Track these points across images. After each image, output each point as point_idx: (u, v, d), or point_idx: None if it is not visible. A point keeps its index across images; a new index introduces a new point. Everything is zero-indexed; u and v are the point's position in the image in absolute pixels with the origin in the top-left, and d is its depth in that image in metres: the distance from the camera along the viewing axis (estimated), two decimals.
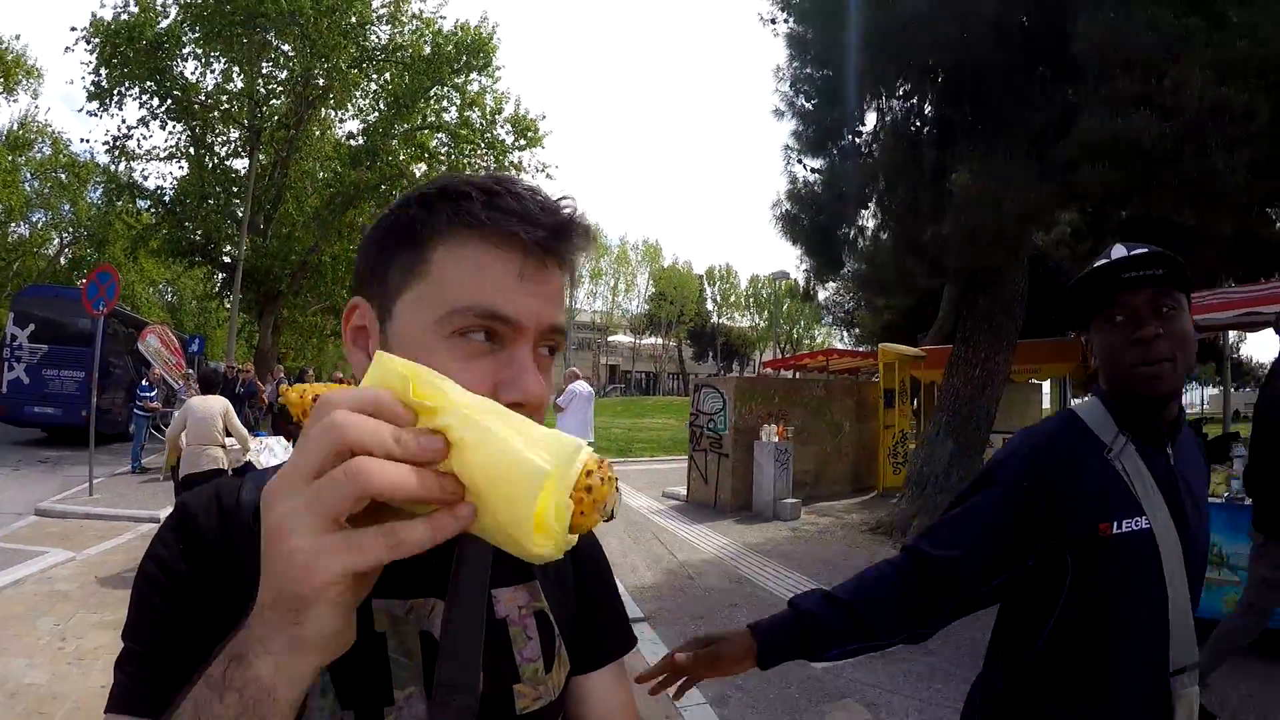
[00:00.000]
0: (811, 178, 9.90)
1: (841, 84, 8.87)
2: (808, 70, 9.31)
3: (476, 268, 0.69)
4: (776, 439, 10.62)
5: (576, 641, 0.90)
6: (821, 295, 16.97)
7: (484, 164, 21.96)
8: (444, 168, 21.63)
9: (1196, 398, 57.03)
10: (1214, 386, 47.27)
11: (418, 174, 21.60)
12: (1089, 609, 1.38)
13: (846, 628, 1.43)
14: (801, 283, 13.83)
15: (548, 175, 21.51)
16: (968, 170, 7.68)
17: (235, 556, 0.72)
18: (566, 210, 0.72)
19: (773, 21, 9.69)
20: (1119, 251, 1.41)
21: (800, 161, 9.97)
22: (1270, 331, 4.39)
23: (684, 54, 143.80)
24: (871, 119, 9.72)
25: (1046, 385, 14.96)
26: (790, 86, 9.51)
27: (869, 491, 13.06)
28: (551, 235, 0.70)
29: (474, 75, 21.55)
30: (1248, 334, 14.66)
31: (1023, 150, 7.61)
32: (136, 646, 0.70)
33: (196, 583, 0.71)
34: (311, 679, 0.52)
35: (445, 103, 21.93)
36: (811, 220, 9.70)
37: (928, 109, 9.46)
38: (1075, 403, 1.40)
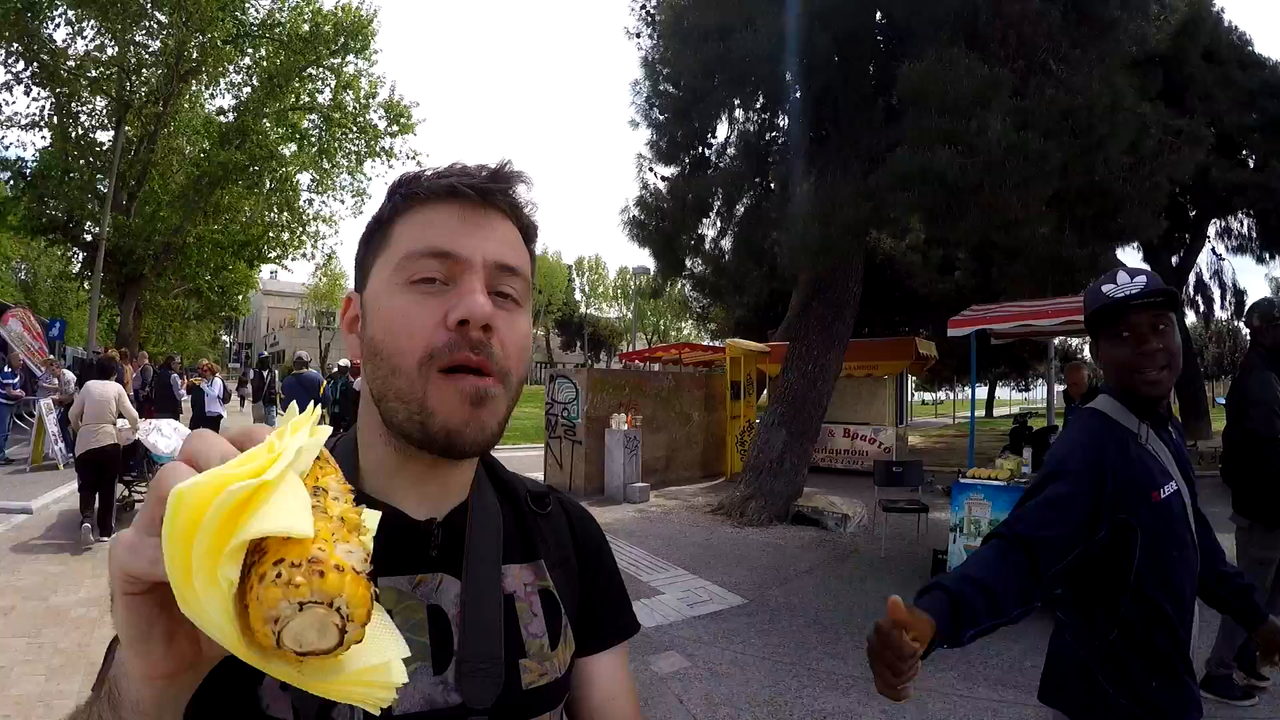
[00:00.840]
0: (661, 185, 10.63)
1: (696, 100, 9.57)
2: (664, 86, 9.98)
3: (423, 222, 0.77)
4: (626, 427, 11.34)
5: (580, 624, 0.94)
6: (680, 290, 17.84)
7: (355, 148, 21.72)
8: (314, 150, 21.31)
9: (1038, 394, 62.17)
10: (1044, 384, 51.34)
11: (287, 154, 21.17)
12: (1155, 557, 1.75)
13: (986, 607, 1.60)
14: (652, 281, 14.61)
15: (418, 163, 21.49)
16: (807, 185, 8.59)
17: None
18: (499, 164, 0.80)
19: (636, 35, 10.41)
20: (1124, 279, 1.80)
21: (652, 169, 10.70)
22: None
23: (556, 49, 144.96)
24: (723, 132, 10.55)
25: (887, 380, 16.25)
26: (646, 100, 10.19)
27: (718, 477, 13.98)
28: (487, 180, 0.78)
29: (351, 58, 21.30)
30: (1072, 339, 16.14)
31: (855, 172, 8.58)
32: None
33: None
34: (146, 686, 0.53)
35: (320, 84, 21.57)
36: (657, 225, 10.42)
37: (780, 121, 10.34)
38: (1094, 404, 1.76)
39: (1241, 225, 21.39)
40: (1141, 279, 1.78)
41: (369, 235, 0.82)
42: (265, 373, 14.15)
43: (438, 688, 0.75)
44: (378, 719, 0.68)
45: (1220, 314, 25.87)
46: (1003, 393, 56.61)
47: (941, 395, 55.66)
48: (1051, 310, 7.18)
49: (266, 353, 52.45)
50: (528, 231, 0.83)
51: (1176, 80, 15.04)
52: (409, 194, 0.78)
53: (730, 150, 10.35)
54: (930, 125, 7.70)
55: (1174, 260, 21.22)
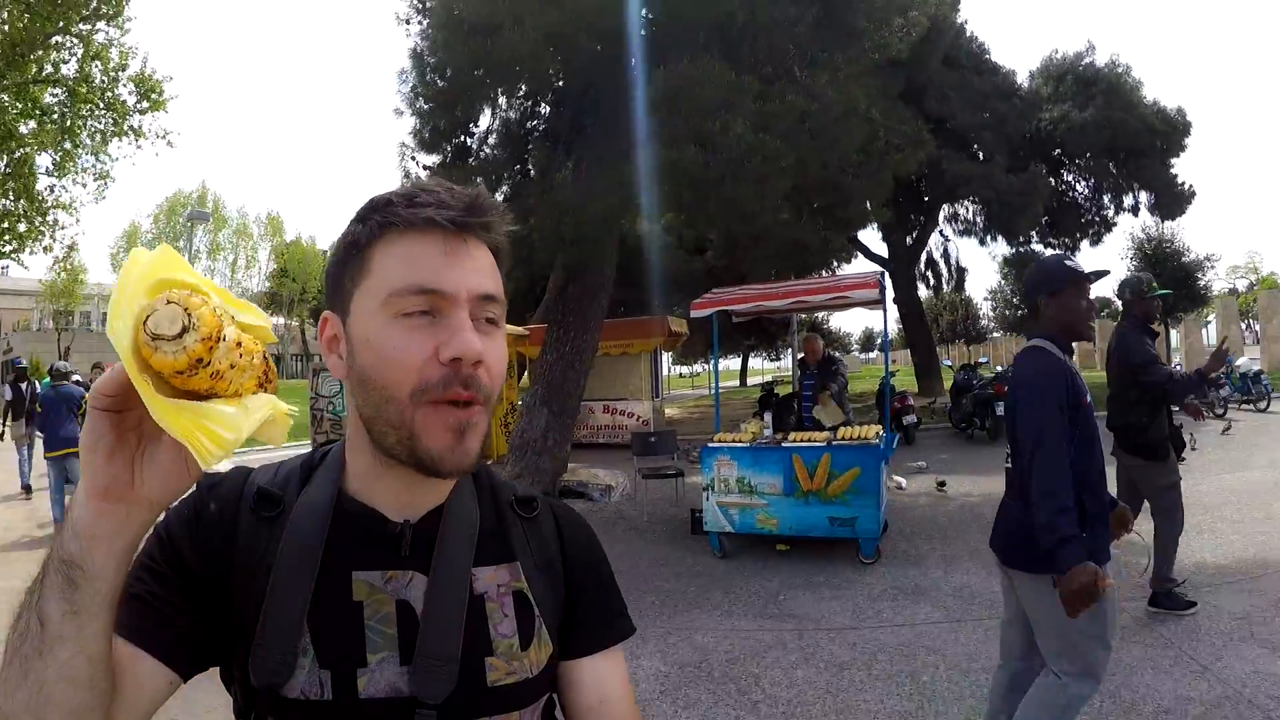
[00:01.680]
0: (423, 174, 10.70)
1: (462, 90, 9.69)
2: (431, 76, 9.99)
3: (406, 255, 0.80)
4: None
5: (565, 627, 0.97)
6: None
7: (100, 126, 19.26)
8: (56, 129, 18.68)
9: (786, 362, 67.79)
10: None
11: (25, 132, 18.40)
12: (1086, 445, 2.66)
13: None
14: None
15: (168, 143, 19.48)
16: (566, 176, 9.00)
17: (233, 536, 0.87)
18: (474, 192, 0.84)
19: (407, 22, 10.31)
20: (1077, 261, 2.87)
21: (414, 158, 10.74)
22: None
23: (317, 33, 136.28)
24: (485, 122, 10.78)
25: (642, 356, 17.16)
26: (412, 90, 10.18)
27: (485, 459, 14.17)
28: (464, 213, 0.81)
29: (102, 25, 18.79)
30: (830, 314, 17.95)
31: (610, 164, 9.12)
32: (131, 585, 0.79)
33: (193, 553, 0.86)
34: (90, 509, 0.69)
35: (66, 53, 18.87)
36: None
37: (543, 109, 10.71)
38: (1035, 343, 2.77)
39: (968, 211, 24.78)
40: (1099, 267, 2.85)
41: (344, 257, 0.85)
42: (25, 385, 12.22)
43: (402, 678, 0.82)
44: (330, 701, 0.80)
45: (946, 288, 29.88)
46: (755, 362, 61.05)
47: (698, 368, 58.82)
48: (781, 293, 8.10)
49: (24, 361, 45.26)
50: (499, 253, 0.88)
51: (918, 82, 17.13)
52: (385, 221, 0.82)
53: (492, 139, 10.58)
54: (680, 126, 8.42)
55: (908, 240, 23.96)
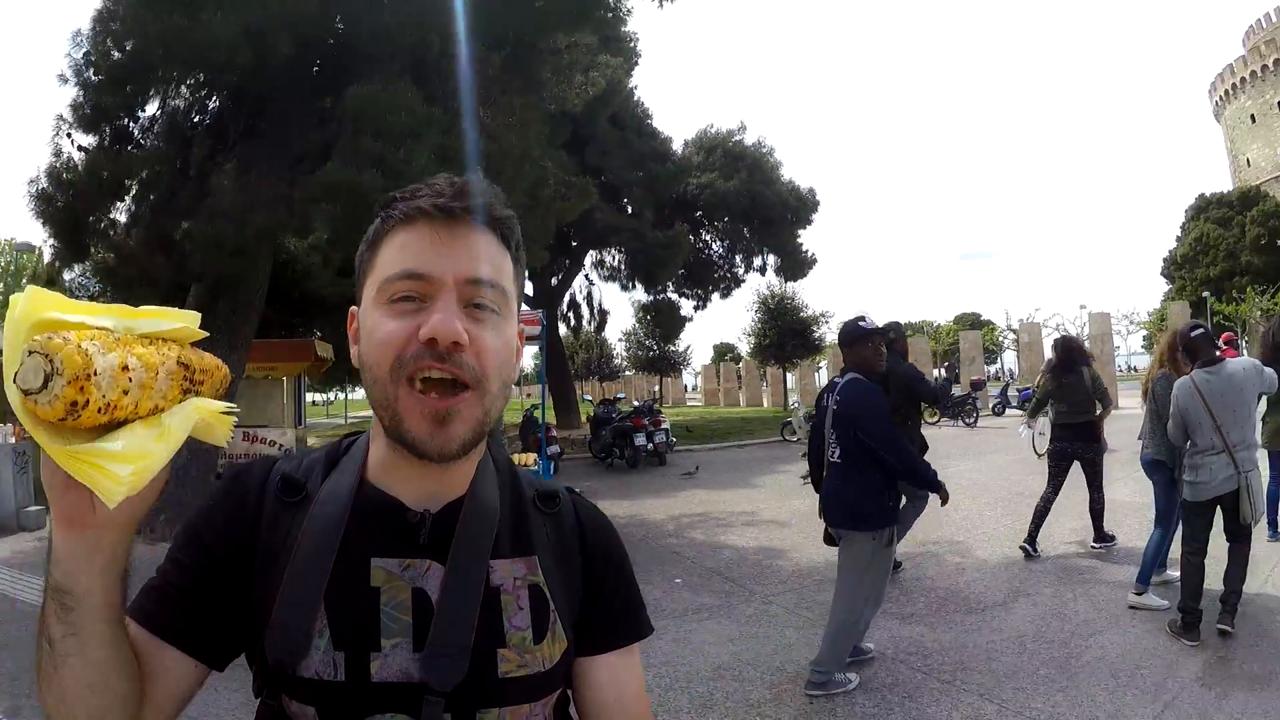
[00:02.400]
0: (79, 156, 9.33)
1: (140, 68, 8.66)
2: (108, 44, 8.80)
3: (401, 244, 0.84)
4: (14, 440, 9.70)
5: (582, 623, 0.97)
6: (68, 277, 15.38)
7: None
8: None
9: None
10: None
11: None
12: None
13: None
14: (46, 263, 12.51)
15: None
16: (229, 179, 8.32)
17: (258, 523, 0.90)
18: (470, 179, 0.87)
19: None
20: (870, 319, 4.40)
21: (70, 135, 9.33)
22: None
23: None
24: (154, 108, 9.65)
25: (285, 381, 16.32)
26: (85, 55, 8.86)
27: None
28: (453, 198, 0.83)
29: None
30: None
31: (280, 174, 8.65)
32: (156, 578, 0.88)
33: (219, 539, 0.89)
34: (66, 538, 0.72)
35: None
36: (67, 202, 9.17)
37: (212, 104, 9.80)
38: (851, 375, 4.29)
39: (613, 258, 26.34)
40: (873, 320, 4.42)
41: (361, 255, 0.90)
42: None
43: (414, 664, 0.83)
44: (343, 682, 0.81)
45: (588, 327, 31.56)
46: None
47: (332, 395, 56.44)
48: None
49: None
50: (507, 238, 0.89)
51: (583, 135, 18.10)
52: (387, 216, 0.86)
53: (158, 128, 9.49)
54: (364, 146, 8.21)
55: (554, 281, 24.94)
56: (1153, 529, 5.59)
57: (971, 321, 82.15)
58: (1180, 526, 5.03)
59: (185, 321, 0.79)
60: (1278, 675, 4.11)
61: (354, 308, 0.92)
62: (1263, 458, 5.76)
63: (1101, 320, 25.54)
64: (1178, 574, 4.98)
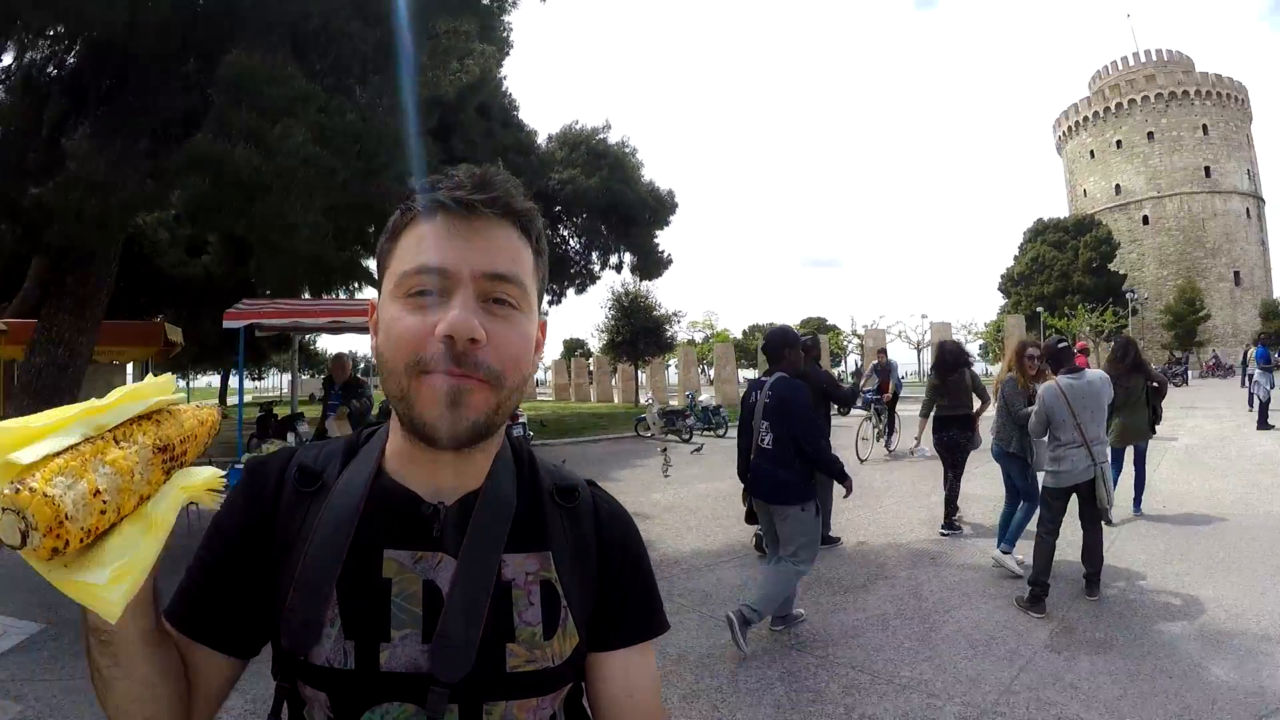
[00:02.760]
0: None
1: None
2: None
3: (418, 237, 0.84)
4: None
5: (597, 619, 0.98)
6: None
7: None
8: None
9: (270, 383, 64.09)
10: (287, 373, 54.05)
11: None
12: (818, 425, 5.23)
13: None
14: None
15: None
16: (89, 142, 7.79)
17: (276, 512, 0.93)
18: (489, 171, 0.86)
19: None
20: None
21: None
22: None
23: None
24: (10, 57, 8.94)
25: (130, 366, 15.33)
26: None
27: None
28: (473, 190, 0.83)
29: None
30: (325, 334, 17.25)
31: (144, 142, 8.23)
32: (184, 579, 0.92)
33: (241, 529, 0.93)
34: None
35: None
36: None
37: (70, 60, 9.14)
38: (780, 374, 4.95)
39: None
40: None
41: (381, 246, 0.91)
42: None
43: (422, 655, 0.84)
44: (352, 670, 0.84)
45: None
46: (235, 381, 57.08)
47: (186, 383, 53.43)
48: (320, 311, 8.06)
49: None
50: (528, 231, 0.89)
51: (449, 122, 17.79)
52: (407, 208, 0.87)
53: (11, 80, 8.73)
54: (239, 120, 7.93)
55: None
56: (1005, 506, 6.58)
57: (817, 326, 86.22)
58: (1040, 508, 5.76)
59: (158, 395, 0.78)
60: (1117, 640, 4.75)
61: (372, 299, 0.93)
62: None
63: (942, 329, 27.46)
64: (1018, 559, 6.05)
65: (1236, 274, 76.76)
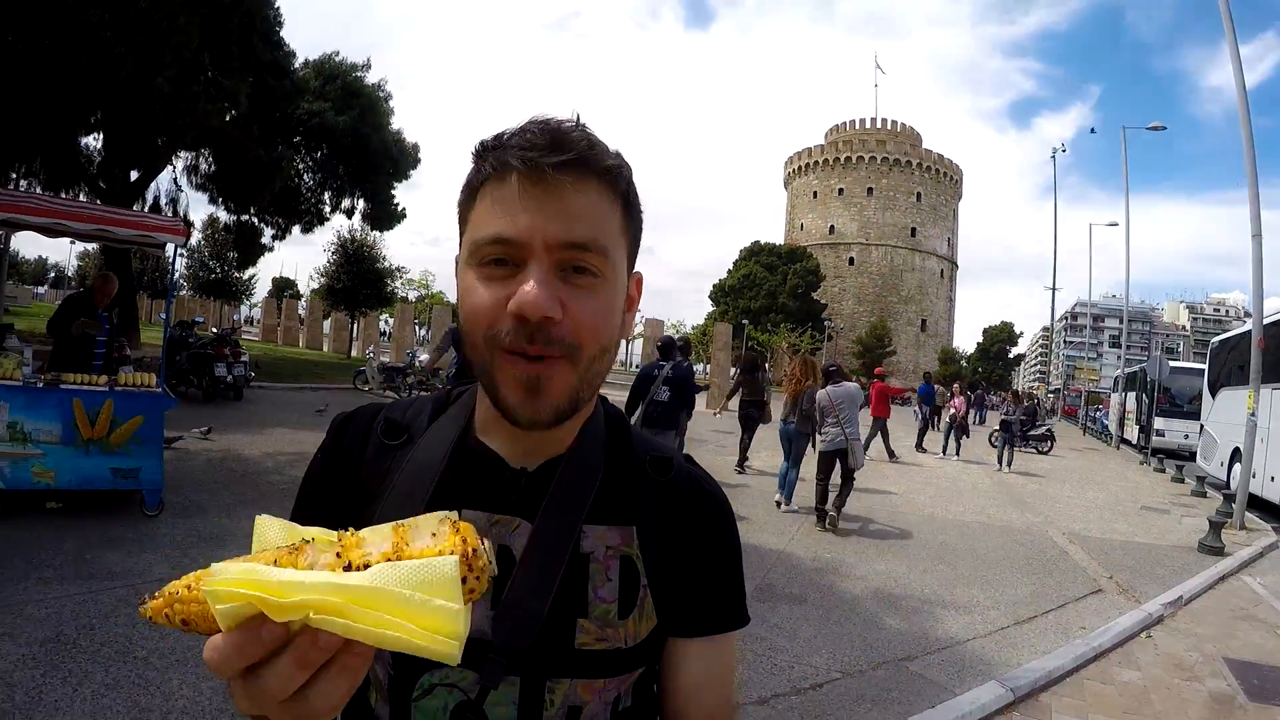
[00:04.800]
0: None
1: None
2: None
3: (491, 200, 0.80)
4: None
5: (678, 603, 0.93)
6: None
7: None
8: None
9: None
10: None
11: None
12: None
13: None
14: None
15: None
16: None
17: (360, 462, 0.94)
18: (564, 125, 0.80)
19: None
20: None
21: None
22: None
23: None
24: None
25: None
26: None
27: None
28: (546, 152, 0.77)
29: None
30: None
31: None
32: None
33: (327, 479, 0.95)
34: None
35: None
36: None
37: None
38: (679, 359, 7.95)
39: (209, 167, 24.15)
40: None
41: (460, 202, 0.87)
42: None
43: (488, 621, 0.82)
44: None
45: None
46: None
47: None
48: (86, 216, 7.36)
49: None
50: (614, 188, 0.84)
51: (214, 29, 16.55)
52: (480, 167, 0.82)
53: None
54: None
55: (133, 176, 22.10)
56: (784, 467, 10.12)
57: None
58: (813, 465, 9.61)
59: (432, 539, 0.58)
60: (810, 596, 6.28)
61: (457, 255, 0.88)
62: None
63: (656, 325, 29.53)
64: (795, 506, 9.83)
65: (924, 321, 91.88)
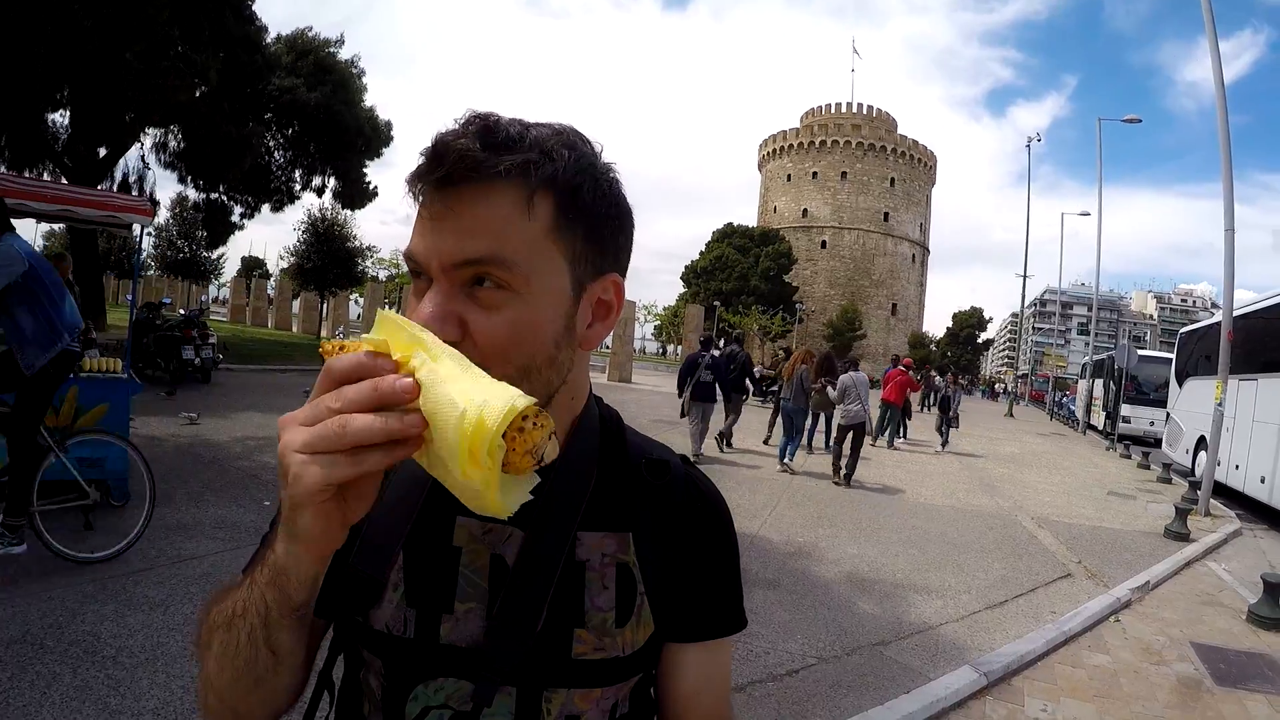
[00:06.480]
0: None
1: None
2: None
3: (414, 214, 0.77)
4: None
5: (674, 609, 0.92)
6: None
7: None
8: None
9: None
10: None
11: None
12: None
13: None
14: None
15: None
16: None
17: None
18: (450, 132, 0.73)
19: None
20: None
21: None
22: None
23: None
24: None
25: None
26: None
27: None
28: (430, 168, 0.72)
29: None
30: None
31: None
32: (269, 530, 0.79)
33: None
34: (315, 565, 0.68)
35: None
36: None
37: None
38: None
39: (178, 143, 23.74)
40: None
41: None
42: None
43: (483, 632, 0.81)
44: (411, 639, 0.82)
45: None
46: None
47: None
48: (51, 196, 7.29)
49: None
50: (524, 183, 0.74)
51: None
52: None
53: None
54: None
55: (101, 153, 21.72)
56: (784, 438, 12.34)
57: None
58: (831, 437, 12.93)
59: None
60: (784, 580, 6.25)
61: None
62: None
63: (627, 306, 29.53)
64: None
65: (895, 305, 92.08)
